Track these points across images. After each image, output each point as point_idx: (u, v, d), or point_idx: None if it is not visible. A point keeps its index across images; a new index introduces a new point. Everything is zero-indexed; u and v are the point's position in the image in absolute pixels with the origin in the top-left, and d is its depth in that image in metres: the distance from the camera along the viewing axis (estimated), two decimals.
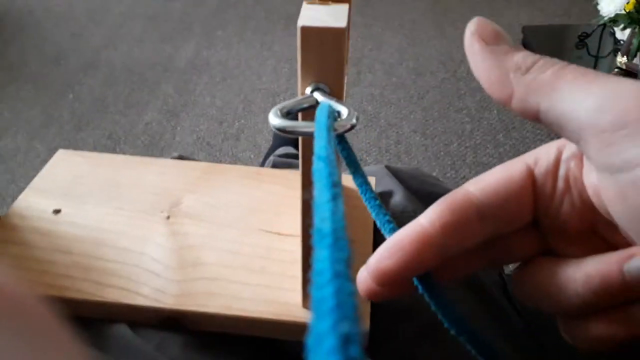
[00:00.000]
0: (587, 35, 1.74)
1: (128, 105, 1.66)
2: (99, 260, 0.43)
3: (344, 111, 0.26)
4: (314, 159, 0.19)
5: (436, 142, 1.50)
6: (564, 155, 0.21)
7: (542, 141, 1.53)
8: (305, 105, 0.29)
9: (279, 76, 1.80)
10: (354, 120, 0.26)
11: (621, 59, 1.61)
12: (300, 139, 0.31)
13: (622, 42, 1.63)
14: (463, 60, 1.84)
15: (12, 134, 1.55)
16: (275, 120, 0.27)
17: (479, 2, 2.19)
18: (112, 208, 0.48)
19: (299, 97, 0.29)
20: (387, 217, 0.23)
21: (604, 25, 1.63)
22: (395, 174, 0.54)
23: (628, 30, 1.48)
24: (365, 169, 0.57)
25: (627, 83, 0.18)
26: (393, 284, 0.21)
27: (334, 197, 0.16)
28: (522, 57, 0.20)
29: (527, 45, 1.83)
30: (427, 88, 1.72)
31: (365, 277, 0.21)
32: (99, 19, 2.17)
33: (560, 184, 0.21)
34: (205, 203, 0.48)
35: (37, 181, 0.51)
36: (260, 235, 0.45)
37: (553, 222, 0.22)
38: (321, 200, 0.16)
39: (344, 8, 0.29)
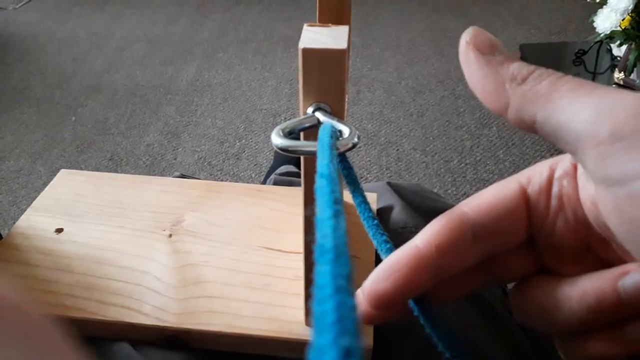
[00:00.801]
0: (584, 52, 1.75)
1: (129, 127, 1.68)
2: (101, 279, 0.43)
3: (345, 130, 0.27)
4: (317, 176, 0.19)
5: (436, 159, 1.51)
6: (557, 174, 0.21)
7: (543, 157, 1.54)
8: (307, 124, 0.29)
9: (279, 96, 1.81)
10: (356, 139, 0.26)
11: (618, 75, 1.62)
12: (302, 157, 0.31)
13: (618, 58, 1.65)
14: (461, 78, 1.85)
15: (15, 157, 1.56)
16: (277, 140, 0.27)
17: (476, 21, 2.22)
18: (113, 227, 0.48)
19: (301, 116, 0.29)
20: (385, 237, 0.23)
21: (601, 42, 1.64)
22: (397, 189, 0.55)
23: (624, 47, 1.49)
24: (367, 185, 0.57)
25: (625, 94, 0.17)
26: (389, 306, 0.21)
27: (336, 214, 0.16)
28: (518, 67, 0.20)
29: (525, 62, 1.84)
30: (426, 106, 1.73)
31: (360, 299, 0.21)
32: (101, 44, 2.20)
33: (554, 202, 0.21)
34: (207, 221, 0.48)
35: (39, 201, 0.51)
36: (262, 253, 0.45)
37: (547, 240, 0.22)
38: (323, 217, 0.16)
39: (344, 29, 0.30)
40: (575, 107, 0.18)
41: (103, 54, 2.12)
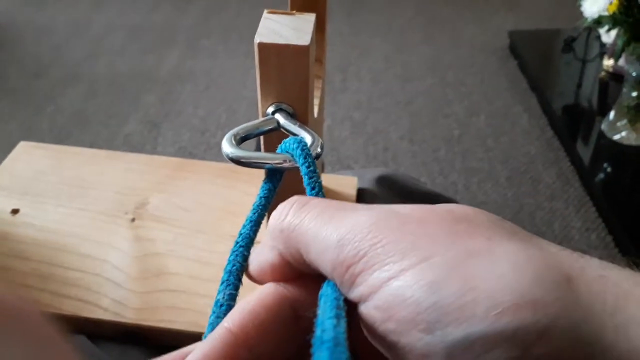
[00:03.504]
0: (574, 39, 1.73)
1: (109, 116, 1.63)
2: (58, 267, 0.39)
3: (308, 139, 0.24)
4: (323, 290, 0.18)
5: (424, 148, 1.48)
6: None
7: (532, 145, 1.51)
8: (266, 128, 0.26)
9: None
10: (319, 150, 0.23)
11: (607, 62, 1.60)
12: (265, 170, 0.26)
13: (607, 45, 1.62)
14: (450, 65, 1.82)
15: None
16: (228, 148, 0.24)
17: (465, 7, 2.18)
18: (74, 209, 0.44)
19: (259, 119, 0.26)
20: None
21: (590, 29, 1.62)
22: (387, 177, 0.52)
23: (613, 34, 1.47)
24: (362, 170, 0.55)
25: (363, 213, 0.18)
26: None
27: (337, 316, 0.16)
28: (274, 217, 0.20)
29: (514, 49, 1.82)
30: (414, 94, 1.70)
31: None
32: (81, 32, 2.14)
33: None
34: (174, 204, 0.44)
35: None
36: (233, 242, 0.42)
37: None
38: (324, 317, 0.16)
39: (309, 19, 0.26)
40: (322, 236, 0.18)
41: (83, 42, 2.06)
